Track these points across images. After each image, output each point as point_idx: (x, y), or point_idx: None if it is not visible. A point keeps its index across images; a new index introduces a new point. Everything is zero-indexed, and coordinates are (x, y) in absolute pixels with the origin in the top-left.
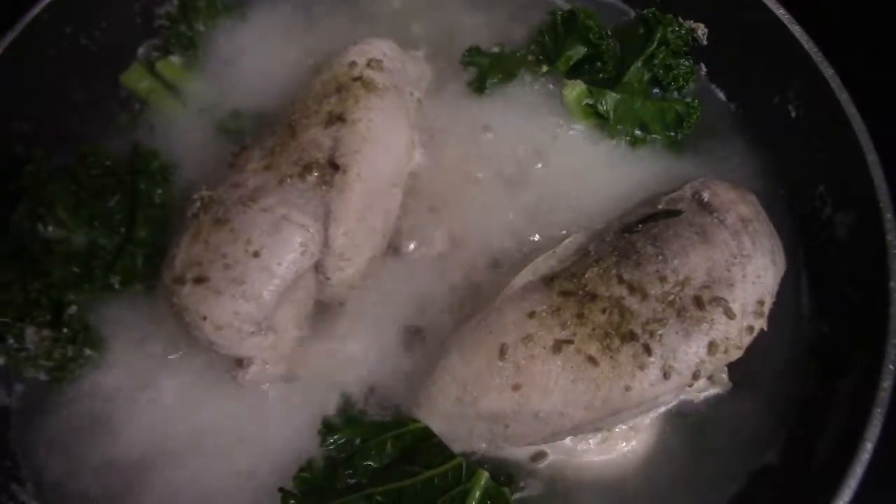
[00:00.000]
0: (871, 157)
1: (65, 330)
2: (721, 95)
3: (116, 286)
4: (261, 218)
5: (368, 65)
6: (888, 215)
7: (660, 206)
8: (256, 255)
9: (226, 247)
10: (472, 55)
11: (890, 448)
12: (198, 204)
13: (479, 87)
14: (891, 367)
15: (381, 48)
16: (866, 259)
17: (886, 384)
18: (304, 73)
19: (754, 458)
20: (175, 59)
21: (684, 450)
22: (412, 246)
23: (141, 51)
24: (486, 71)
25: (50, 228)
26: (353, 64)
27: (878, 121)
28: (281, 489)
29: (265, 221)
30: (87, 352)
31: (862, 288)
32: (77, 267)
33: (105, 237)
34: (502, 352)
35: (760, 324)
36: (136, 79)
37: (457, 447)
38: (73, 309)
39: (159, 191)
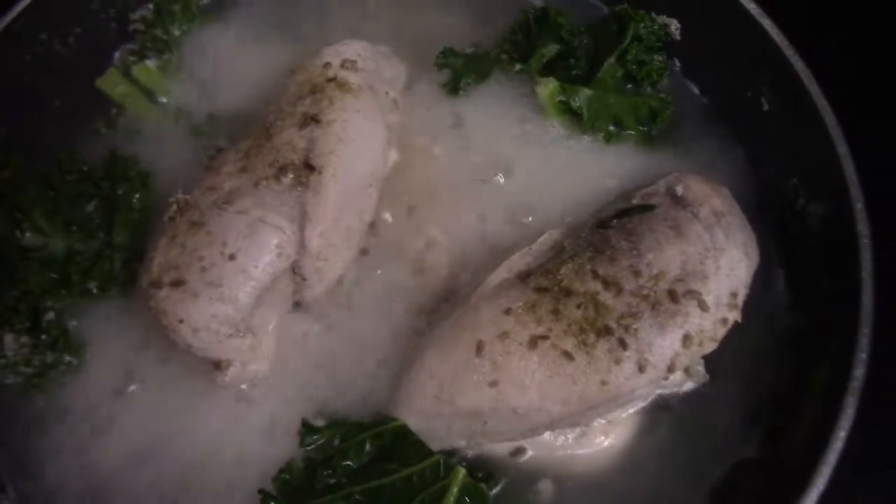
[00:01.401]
0: (842, 150)
1: (43, 336)
2: (695, 90)
3: (94, 291)
4: (236, 220)
5: (343, 65)
6: (859, 206)
7: (634, 201)
8: (232, 257)
9: (202, 250)
10: (446, 56)
11: (864, 436)
12: (174, 207)
13: (453, 88)
14: (862, 355)
15: (355, 49)
16: (839, 249)
17: (858, 373)
18: (280, 75)
19: (732, 450)
20: (151, 63)
21: (663, 443)
22: (389, 246)
23: (117, 56)
24: (461, 72)
25: (27, 235)
26: (327, 65)
27: (848, 113)
28: (261, 490)
29: (241, 224)
30: (67, 358)
31: (835, 278)
32: (54, 273)
33: (83, 243)
34: (479, 349)
35: (734, 316)
36: (112, 84)
37: (435, 445)
38: (50, 315)
39: (137, 196)
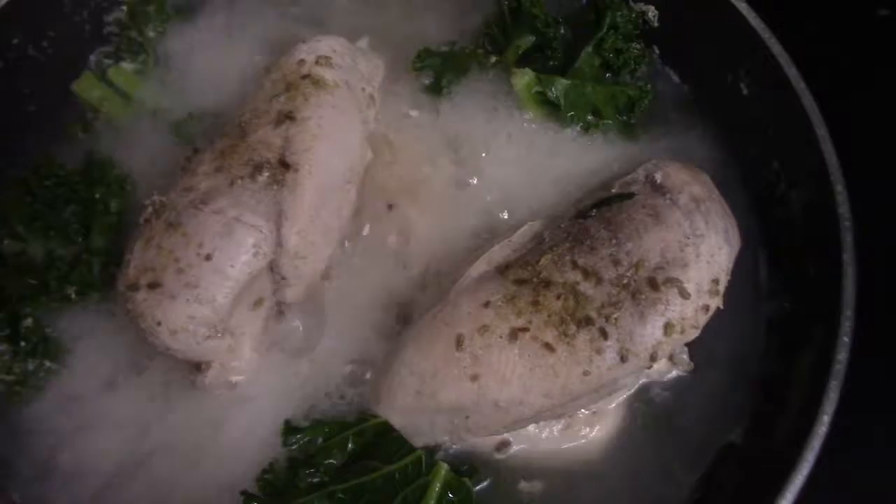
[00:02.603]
0: (821, 132)
1: (23, 343)
2: (674, 77)
3: (73, 297)
4: (212, 220)
5: (317, 62)
6: (839, 188)
7: (613, 190)
8: (209, 258)
9: (178, 251)
10: (423, 58)
11: (850, 419)
12: (150, 209)
13: (436, 89)
14: (845, 339)
15: (330, 45)
16: (821, 233)
17: (842, 357)
18: (256, 74)
19: (718, 438)
20: (126, 65)
21: (649, 433)
22: (368, 242)
23: (92, 59)
24: (440, 72)
25: (5, 241)
26: (301, 62)
27: (827, 96)
28: (243, 492)
29: (217, 224)
30: (48, 364)
31: (817, 262)
32: (33, 279)
33: (62, 248)
34: (459, 343)
35: (716, 303)
36: (88, 87)
37: (419, 441)
38: (28, 321)
39: (115, 199)
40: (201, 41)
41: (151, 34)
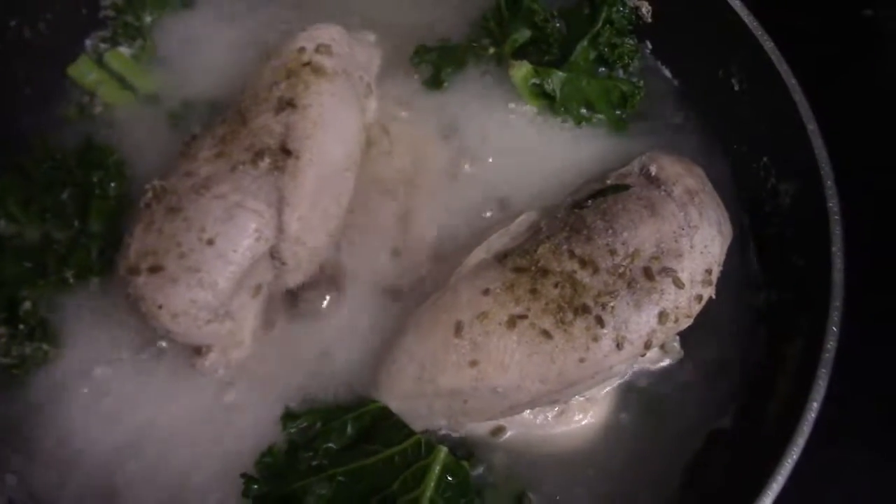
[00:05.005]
0: (811, 127)
1: (20, 326)
2: (666, 72)
3: (71, 280)
4: (214, 205)
5: (317, 50)
6: (829, 182)
7: (609, 182)
8: (211, 242)
9: (180, 235)
10: (420, 55)
11: (837, 406)
12: (150, 194)
13: (435, 83)
14: (834, 329)
15: (329, 33)
16: (810, 226)
17: (830, 346)
18: (254, 60)
19: (708, 424)
20: (123, 50)
21: (640, 419)
22: (366, 229)
23: (88, 43)
24: (439, 66)
25: (2, 223)
26: (302, 49)
27: (817, 91)
28: (244, 475)
29: (218, 209)
30: (45, 347)
31: (806, 254)
32: (30, 262)
33: (58, 231)
34: (458, 329)
35: (709, 292)
36: (84, 71)
37: (417, 425)
38: (27, 305)
39: (112, 183)
40: (199, 27)
41: (148, 19)
